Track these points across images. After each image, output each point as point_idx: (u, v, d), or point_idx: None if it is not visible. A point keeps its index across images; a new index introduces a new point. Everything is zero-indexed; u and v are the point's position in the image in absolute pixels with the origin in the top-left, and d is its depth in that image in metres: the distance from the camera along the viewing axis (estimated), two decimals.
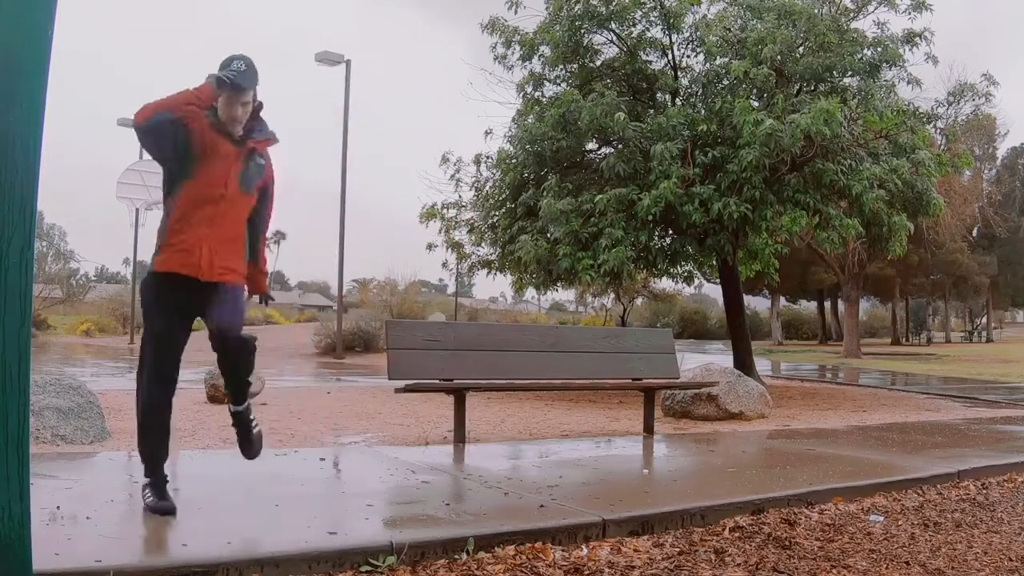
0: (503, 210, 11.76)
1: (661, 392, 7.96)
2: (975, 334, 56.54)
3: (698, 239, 10.77)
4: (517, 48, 11.69)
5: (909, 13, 11.06)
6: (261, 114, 3.50)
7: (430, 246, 12.65)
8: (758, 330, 43.81)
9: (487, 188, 12.24)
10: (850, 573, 3.10)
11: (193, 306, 3.42)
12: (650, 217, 9.74)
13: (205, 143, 3.32)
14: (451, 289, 50.29)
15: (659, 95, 11.56)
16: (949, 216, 26.03)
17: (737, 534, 3.59)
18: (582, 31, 11.20)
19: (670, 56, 11.60)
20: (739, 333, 12.77)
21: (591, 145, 11.67)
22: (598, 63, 11.70)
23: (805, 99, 10.08)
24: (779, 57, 10.27)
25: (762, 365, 18.31)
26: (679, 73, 11.62)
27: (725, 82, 10.80)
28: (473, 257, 12.70)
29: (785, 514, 3.93)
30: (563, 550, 3.23)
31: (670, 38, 11.44)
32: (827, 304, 48.85)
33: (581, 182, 10.89)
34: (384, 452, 5.47)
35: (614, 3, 10.85)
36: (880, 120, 10.20)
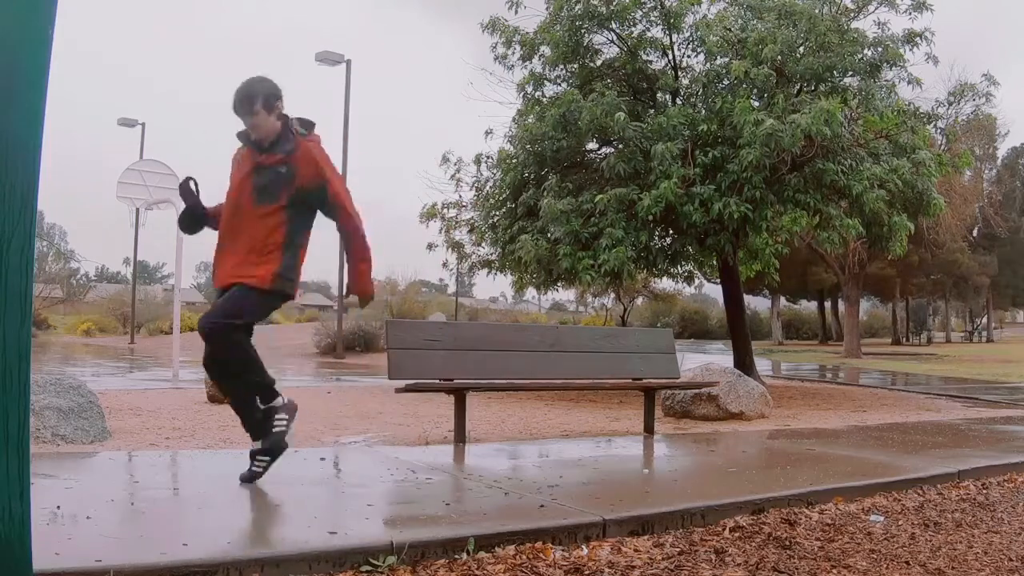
0: (503, 210, 11.77)
1: (661, 392, 7.96)
2: (975, 334, 56.54)
3: (698, 239, 10.77)
4: (517, 48, 11.69)
5: (909, 13, 11.05)
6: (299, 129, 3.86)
7: (430, 246, 12.67)
8: (758, 330, 43.82)
9: (487, 188, 12.25)
10: (850, 573, 3.10)
11: None
12: (650, 217, 9.74)
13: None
14: (451, 289, 50.33)
15: (659, 95, 11.56)
16: (949, 216, 25.99)
17: (737, 534, 3.59)
18: (582, 31, 11.20)
19: (670, 56, 11.60)
20: (739, 333, 12.77)
21: (591, 145, 11.68)
22: (598, 63, 11.70)
23: (805, 99, 10.08)
24: (779, 57, 10.26)
25: (762, 365, 18.31)
26: (679, 73, 11.62)
27: (725, 82, 10.80)
28: (473, 257, 12.71)
29: (785, 514, 3.93)
30: (563, 550, 3.23)
31: (670, 38, 11.44)
32: (827, 304, 48.84)
33: (581, 182, 10.89)
34: (384, 452, 5.47)
35: (614, 3, 10.85)
36: (880, 120, 10.20)
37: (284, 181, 3.71)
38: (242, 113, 3.73)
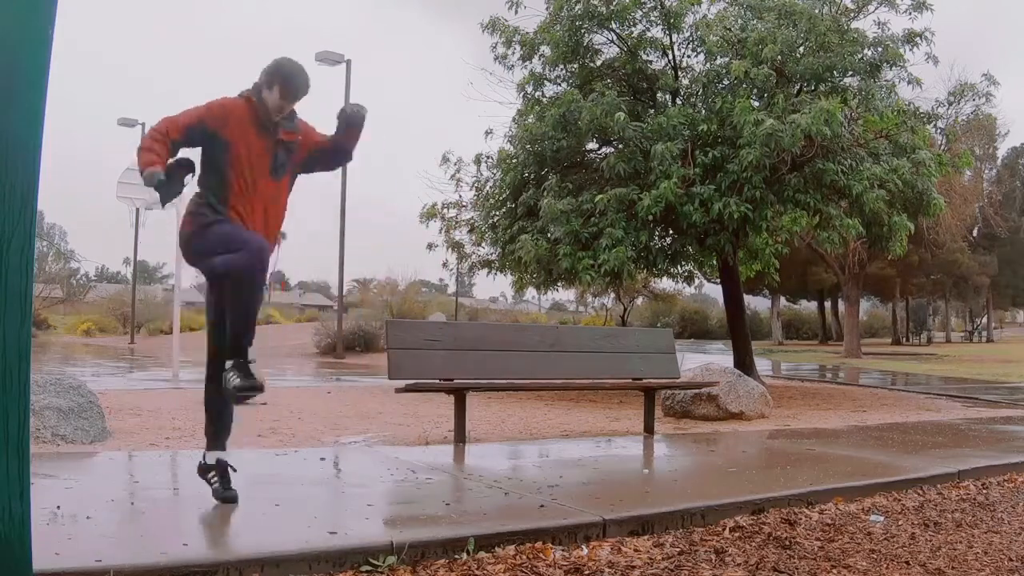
0: (503, 210, 11.77)
1: (661, 392, 7.96)
2: (975, 334, 56.54)
3: (698, 239, 10.77)
4: (517, 48, 11.69)
5: (909, 13, 11.05)
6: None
7: (430, 246, 12.67)
8: (758, 330, 43.80)
9: (487, 188, 12.25)
10: (850, 573, 3.10)
11: None
12: (650, 217, 9.74)
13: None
14: (451, 289, 50.37)
15: (659, 95, 11.55)
16: (949, 216, 25.98)
17: (737, 534, 3.59)
18: (582, 31, 11.20)
19: (670, 56, 11.60)
20: (739, 333, 12.77)
21: (591, 145, 11.67)
22: (598, 63, 11.70)
23: (805, 99, 10.08)
24: (779, 57, 10.26)
25: (762, 365, 18.31)
26: (679, 73, 11.61)
27: (725, 82, 10.80)
28: (473, 257, 12.71)
29: (785, 514, 3.93)
30: (563, 550, 3.23)
31: (670, 38, 11.44)
32: (827, 304, 48.83)
33: (581, 182, 10.89)
34: (384, 452, 5.47)
35: (614, 3, 10.85)
36: (880, 120, 10.20)
37: (292, 155, 3.71)
38: (297, 95, 3.60)
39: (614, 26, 11.24)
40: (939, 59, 11.22)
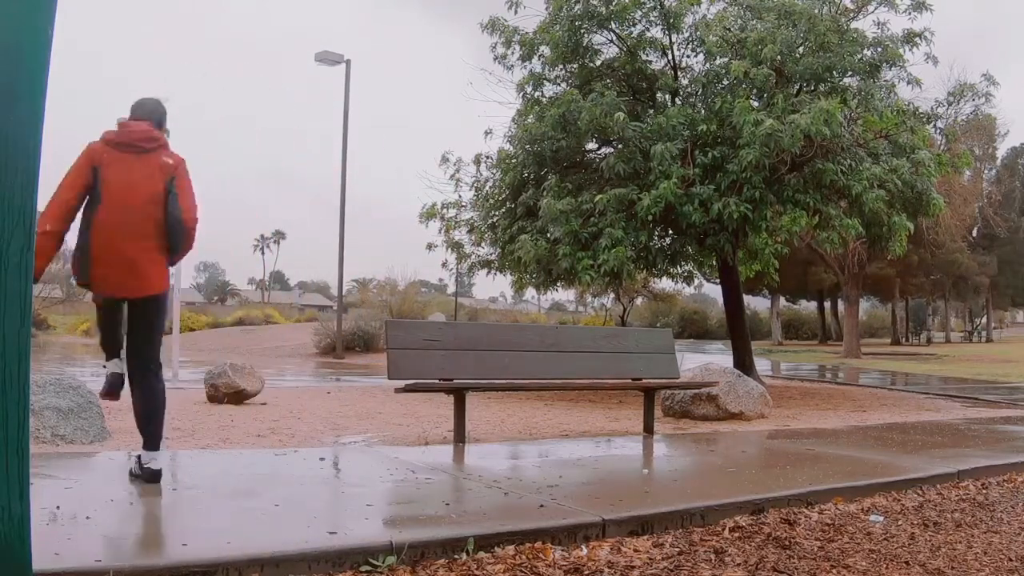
0: (503, 210, 11.77)
1: (661, 392, 7.96)
2: (975, 334, 56.57)
3: (698, 239, 10.77)
4: (517, 48, 11.69)
5: (909, 13, 11.05)
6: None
7: (430, 246, 12.67)
8: (758, 330, 43.84)
9: (487, 188, 12.25)
10: (850, 573, 3.10)
11: None
12: (650, 217, 9.74)
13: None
14: (451, 289, 50.39)
15: (659, 95, 11.55)
16: (949, 216, 25.99)
17: (737, 534, 3.59)
18: (582, 31, 11.19)
19: (670, 56, 11.60)
20: (739, 333, 12.78)
21: (591, 145, 11.67)
22: (598, 63, 11.70)
23: (805, 99, 10.08)
24: (779, 57, 10.26)
25: (762, 365, 18.31)
26: (679, 73, 11.62)
27: (725, 82, 10.80)
28: (473, 257, 12.71)
29: (785, 514, 3.93)
30: (563, 550, 3.23)
31: (670, 38, 11.44)
32: (827, 304, 48.87)
33: (581, 182, 10.89)
34: (384, 452, 5.47)
35: (614, 3, 10.85)
36: (880, 120, 10.20)
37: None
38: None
39: (614, 26, 11.24)
40: (939, 59, 11.23)
